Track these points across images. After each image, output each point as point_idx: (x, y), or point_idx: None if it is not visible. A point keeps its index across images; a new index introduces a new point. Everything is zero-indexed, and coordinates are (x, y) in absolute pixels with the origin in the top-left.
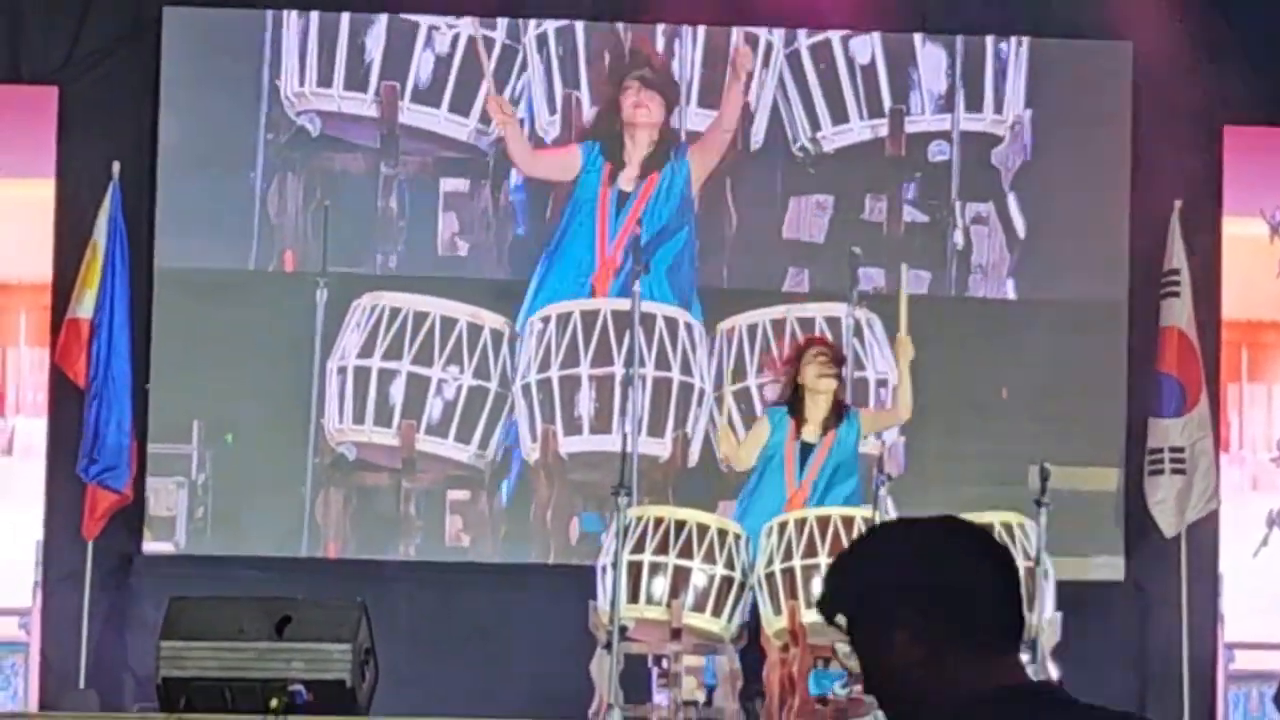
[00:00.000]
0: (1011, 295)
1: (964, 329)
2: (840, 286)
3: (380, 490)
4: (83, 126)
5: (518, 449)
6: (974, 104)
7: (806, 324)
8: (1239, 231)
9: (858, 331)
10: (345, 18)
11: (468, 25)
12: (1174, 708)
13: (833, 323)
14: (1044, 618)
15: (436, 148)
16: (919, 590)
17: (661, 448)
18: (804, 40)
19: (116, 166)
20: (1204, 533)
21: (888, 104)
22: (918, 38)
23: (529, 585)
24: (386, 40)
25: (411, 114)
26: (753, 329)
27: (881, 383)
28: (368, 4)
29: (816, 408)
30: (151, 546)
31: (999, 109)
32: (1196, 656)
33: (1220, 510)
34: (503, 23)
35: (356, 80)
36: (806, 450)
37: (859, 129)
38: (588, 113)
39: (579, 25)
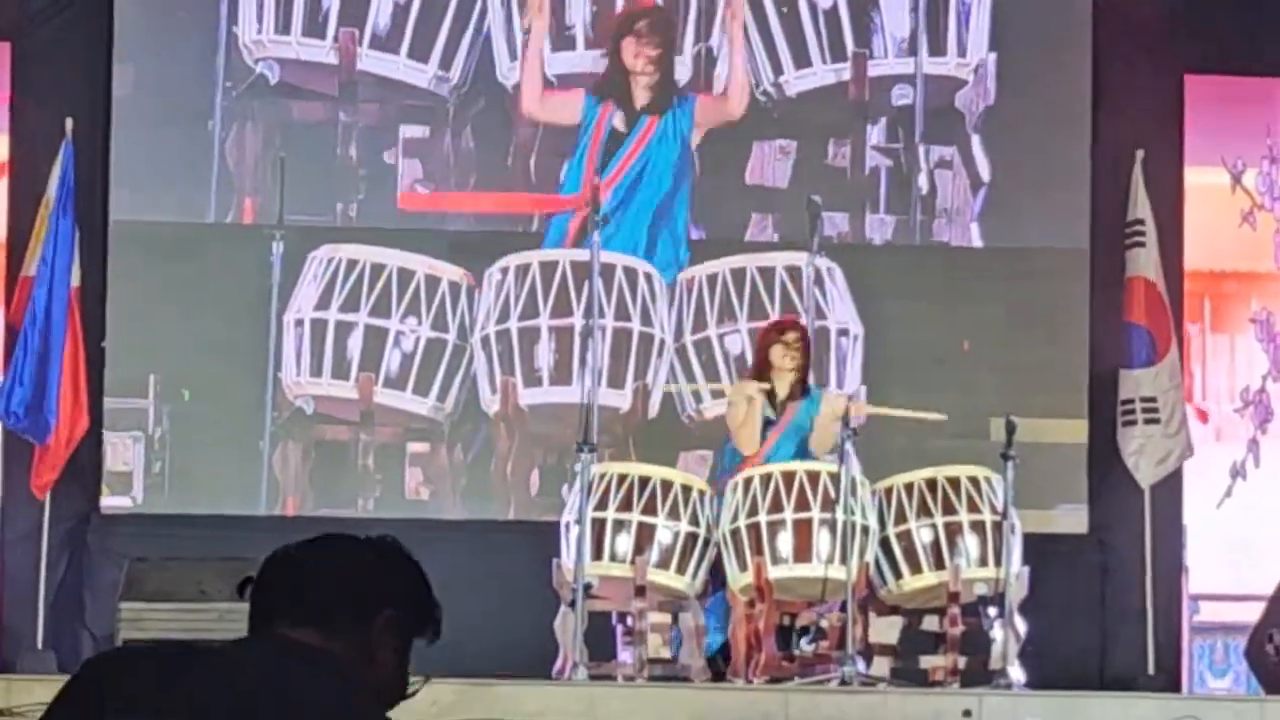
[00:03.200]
0: (977, 241)
1: (924, 280)
2: (804, 233)
3: (339, 444)
4: (35, 83)
5: (477, 401)
6: (937, 47)
7: (767, 273)
8: (1201, 181)
9: (818, 280)
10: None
11: None
12: (1138, 660)
13: (793, 272)
14: (1011, 572)
15: (397, 95)
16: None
17: (622, 399)
18: None
19: (69, 123)
20: (1168, 485)
21: (850, 48)
22: None
23: (491, 543)
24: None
25: (370, 60)
26: (713, 279)
27: (842, 332)
28: None
29: (780, 385)
30: (109, 502)
31: (962, 52)
32: (1160, 609)
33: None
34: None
35: (314, 27)
36: (766, 424)
37: (822, 73)
38: (548, 58)
39: None
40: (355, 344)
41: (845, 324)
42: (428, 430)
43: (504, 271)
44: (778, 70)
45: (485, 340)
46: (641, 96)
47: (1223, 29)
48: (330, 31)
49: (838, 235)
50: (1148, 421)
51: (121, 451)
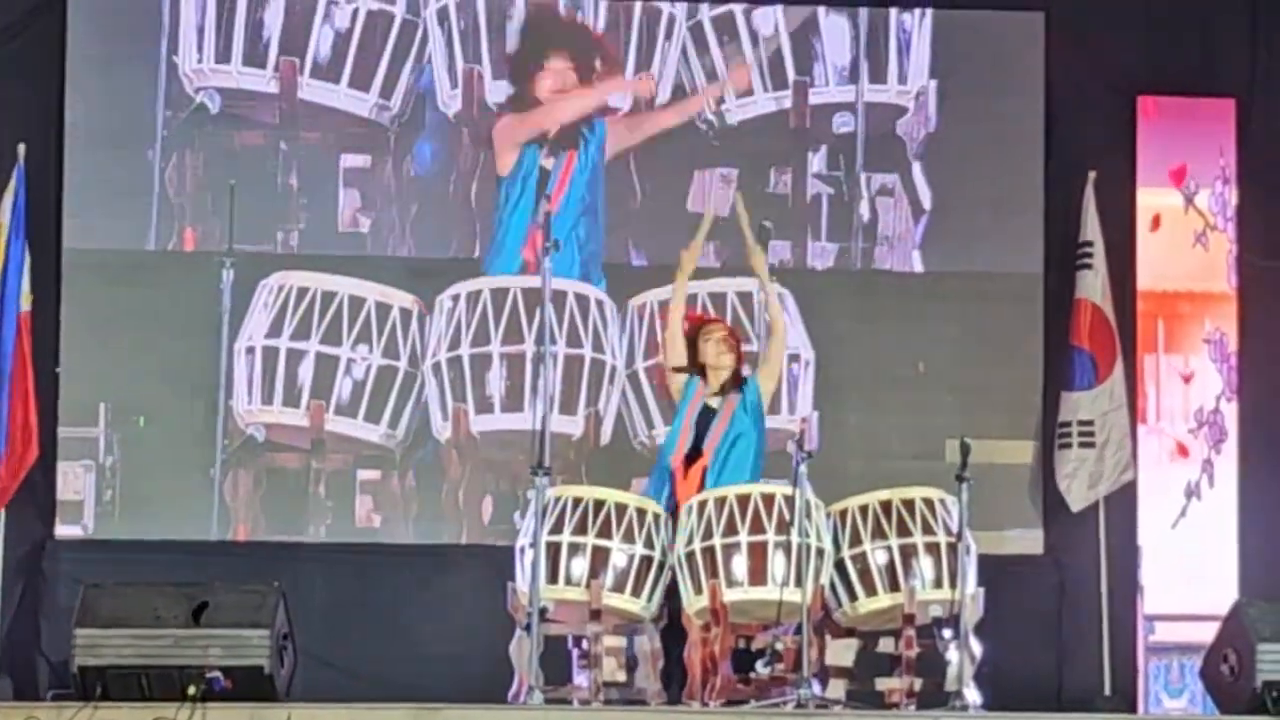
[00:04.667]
0: (918, 267)
1: (880, 302)
2: (745, 259)
3: (290, 471)
4: None
5: (429, 428)
6: (878, 75)
7: (718, 299)
8: (1154, 202)
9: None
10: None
11: (367, 0)
12: (1094, 680)
13: (744, 297)
14: (966, 593)
15: (337, 123)
16: None
17: (574, 426)
18: (706, 12)
19: (22, 148)
20: (1122, 505)
21: (791, 76)
22: (821, 10)
23: (446, 567)
24: (285, 16)
25: (311, 90)
26: (664, 304)
27: (794, 358)
28: None
29: (716, 380)
30: (62, 530)
31: (903, 80)
32: (1116, 629)
33: (1138, 482)
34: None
35: (255, 56)
36: (708, 415)
37: (763, 101)
38: (490, 86)
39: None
40: (306, 371)
41: (796, 349)
42: (379, 457)
43: (455, 298)
44: (720, 99)
45: (437, 367)
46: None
47: (1175, 50)
48: (271, 61)
49: (779, 262)
50: (1083, 445)
51: (72, 480)
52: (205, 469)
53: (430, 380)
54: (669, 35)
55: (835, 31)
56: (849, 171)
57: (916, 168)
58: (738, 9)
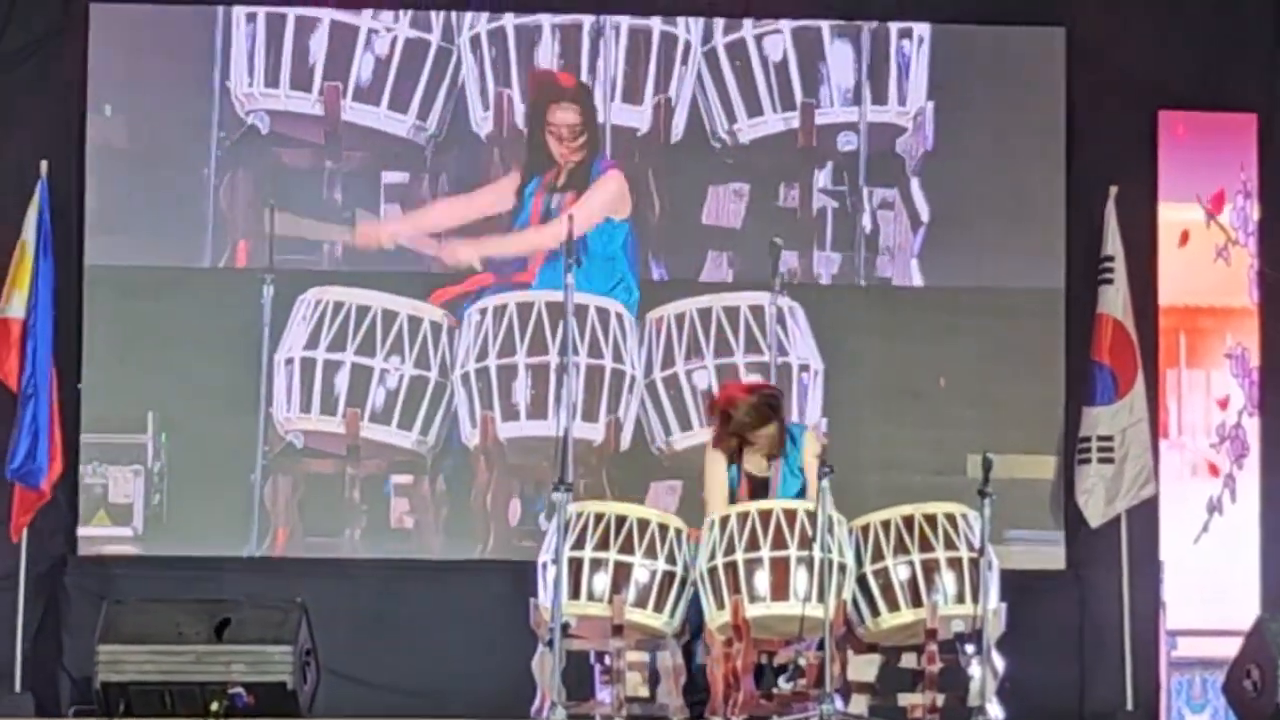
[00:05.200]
0: (917, 277)
1: (901, 317)
2: (756, 270)
3: (327, 476)
4: (8, 125)
5: (458, 435)
6: (880, 97)
7: (731, 312)
8: (1175, 217)
9: (780, 319)
10: (291, 20)
11: (405, 28)
12: (1117, 696)
13: (756, 311)
14: (988, 608)
15: (378, 143)
16: None
17: (595, 432)
18: (720, 38)
19: (44, 165)
20: (1144, 520)
21: (799, 98)
22: (826, 35)
23: (468, 583)
24: (329, 43)
25: (353, 112)
26: (680, 318)
27: (804, 368)
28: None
29: (758, 448)
30: (111, 532)
31: (902, 101)
32: (1138, 644)
33: (1160, 497)
34: (439, 26)
35: (302, 81)
36: (759, 484)
37: (772, 121)
38: (519, 109)
39: (509, 26)
40: (342, 381)
41: (806, 360)
42: (411, 463)
43: (483, 312)
44: (731, 119)
45: (465, 377)
46: (563, 176)
47: (1197, 65)
48: (316, 85)
49: (788, 271)
50: (1102, 460)
51: (122, 484)
52: (246, 474)
53: (459, 390)
54: (685, 60)
55: (840, 56)
56: (852, 186)
57: (914, 183)
58: (749, 35)
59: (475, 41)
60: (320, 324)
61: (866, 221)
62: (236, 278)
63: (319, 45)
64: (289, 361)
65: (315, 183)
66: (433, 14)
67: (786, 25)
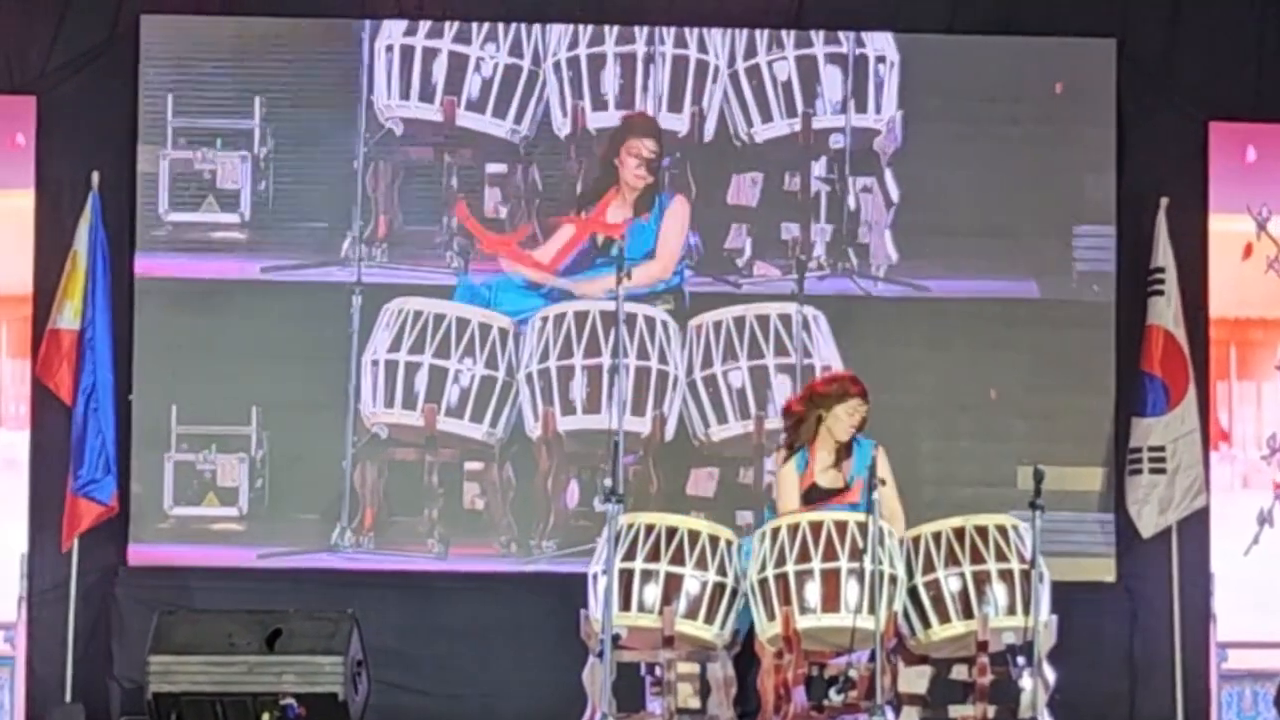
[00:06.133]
0: (890, 247)
1: (951, 328)
2: (766, 238)
3: (408, 463)
4: (61, 136)
5: (523, 427)
6: (861, 107)
7: (763, 320)
8: (1226, 228)
9: (806, 325)
10: (419, 50)
11: (504, 56)
12: (1167, 708)
13: (785, 319)
14: (1039, 620)
15: (483, 143)
16: None
17: (643, 425)
18: (741, 63)
19: (96, 176)
20: (1194, 531)
21: (800, 108)
22: (820, 61)
23: (519, 594)
24: (447, 69)
25: (465, 119)
26: (718, 325)
27: (826, 368)
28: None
29: (829, 441)
30: (219, 511)
31: (878, 110)
32: (1189, 656)
33: (1210, 508)
34: (529, 54)
35: (426, 95)
36: (822, 495)
37: (780, 126)
38: (590, 116)
39: (582, 55)
40: (421, 380)
41: (828, 362)
42: (482, 451)
43: (544, 319)
44: (749, 123)
45: (529, 377)
46: (626, 208)
47: (1247, 76)
48: (437, 98)
49: (791, 240)
50: (1153, 471)
51: (229, 470)
52: (338, 461)
53: (524, 388)
54: (714, 79)
55: (831, 77)
56: (840, 175)
57: (888, 173)
58: (763, 62)
59: (557, 65)
60: (402, 330)
61: (851, 201)
62: (327, 292)
63: (440, 70)
64: (375, 363)
65: (435, 172)
66: (524, 43)
67: (791, 54)
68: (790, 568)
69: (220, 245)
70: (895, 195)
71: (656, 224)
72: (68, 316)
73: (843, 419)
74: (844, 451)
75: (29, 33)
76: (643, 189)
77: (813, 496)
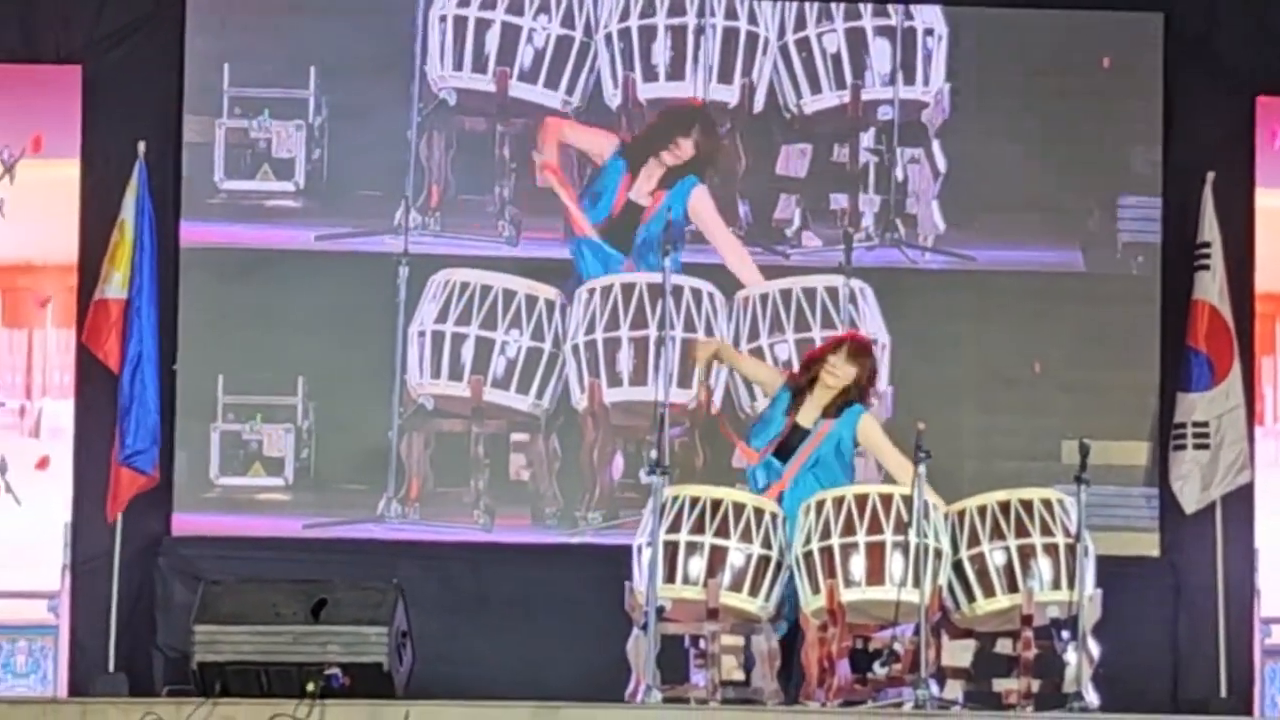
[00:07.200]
0: (938, 217)
1: (995, 301)
2: (815, 208)
3: (454, 434)
4: (106, 106)
5: (569, 399)
6: (910, 79)
7: (809, 293)
8: (1272, 203)
9: (852, 298)
10: (472, 22)
11: (556, 27)
12: (1210, 683)
13: (831, 291)
14: (1084, 594)
15: (536, 113)
16: None
17: (689, 396)
18: (791, 35)
19: (142, 146)
20: (1239, 506)
21: (849, 79)
22: (869, 33)
23: (563, 565)
24: (500, 39)
25: (517, 89)
26: (764, 297)
27: (873, 341)
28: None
29: (823, 394)
30: (264, 481)
31: (926, 83)
32: (1232, 631)
33: (1255, 484)
34: (580, 25)
35: (480, 66)
36: (801, 435)
37: (829, 97)
38: (641, 88)
39: (634, 27)
40: (468, 352)
41: (874, 334)
42: (528, 423)
43: (591, 291)
44: (799, 95)
45: (575, 349)
46: (655, 177)
47: None
48: (490, 69)
49: (840, 210)
50: (1197, 446)
51: (276, 440)
52: (384, 432)
53: (570, 360)
54: (764, 51)
55: (880, 49)
56: (888, 146)
57: (935, 145)
58: (812, 34)
59: (609, 38)
60: (448, 301)
61: (899, 172)
62: (374, 262)
63: (493, 41)
64: (421, 334)
65: (488, 141)
66: (576, 14)
67: (840, 26)
68: (835, 540)
69: (275, 214)
70: (943, 166)
71: (678, 204)
72: (115, 286)
73: (836, 368)
74: (833, 410)
75: (73, 1)
76: (670, 168)
77: (793, 440)
